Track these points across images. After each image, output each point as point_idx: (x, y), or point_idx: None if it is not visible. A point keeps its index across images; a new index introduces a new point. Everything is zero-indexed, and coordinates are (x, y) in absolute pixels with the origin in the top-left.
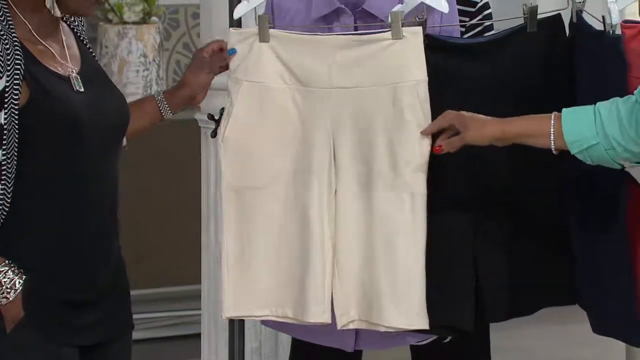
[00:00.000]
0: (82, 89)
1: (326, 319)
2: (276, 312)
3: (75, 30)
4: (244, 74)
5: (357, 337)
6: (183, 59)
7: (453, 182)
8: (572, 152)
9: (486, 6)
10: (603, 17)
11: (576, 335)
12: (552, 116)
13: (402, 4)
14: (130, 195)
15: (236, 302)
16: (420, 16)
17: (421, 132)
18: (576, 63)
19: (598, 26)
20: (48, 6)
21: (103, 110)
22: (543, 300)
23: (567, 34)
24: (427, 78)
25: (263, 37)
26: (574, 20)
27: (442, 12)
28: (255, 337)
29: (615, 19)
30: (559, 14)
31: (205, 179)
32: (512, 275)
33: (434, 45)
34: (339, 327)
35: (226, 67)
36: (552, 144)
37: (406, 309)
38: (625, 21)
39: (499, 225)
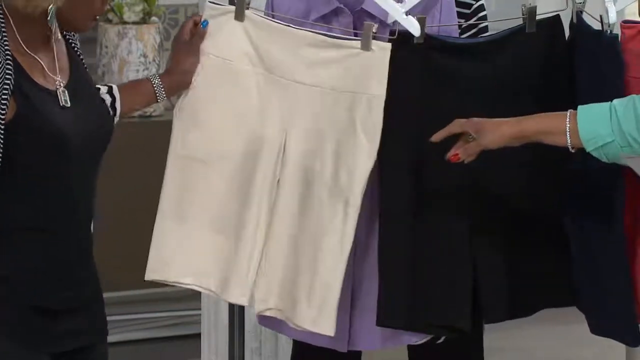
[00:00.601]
0: (69, 104)
1: (244, 302)
2: (199, 282)
3: (67, 37)
4: (212, 47)
5: (350, 337)
6: None
7: (451, 182)
8: (588, 149)
9: (481, 8)
10: (601, 16)
11: (576, 335)
12: (568, 114)
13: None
14: (129, 195)
15: (162, 266)
16: (422, 15)
17: (431, 139)
18: (576, 63)
19: (598, 26)
20: (50, 25)
21: (88, 126)
22: (542, 301)
23: (568, 35)
24: (384, 95)
25: (238, 16)
26: (574, 20)
27: (441, 12)
28: (255, 337)
29: (613, 18)
30: (558, 15)
31: None
32: (511, 276)
33: (433, 45)
34: (256, 312)
35: None
36: (569, 142)
37: (317, 311)
38: (625, 21)
39: (497, 225)
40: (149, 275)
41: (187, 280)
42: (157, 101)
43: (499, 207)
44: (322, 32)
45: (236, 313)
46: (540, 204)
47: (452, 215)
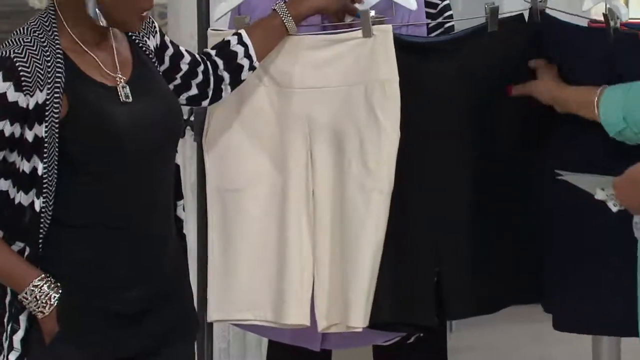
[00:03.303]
0: (130, 99)
1: (304, 321)
2: (257, 316)
3: (131, 34)
4: None
5: (324, 336)
6: None
7: (415, 180)
8: (610, 135)
9: (447, 8)
10: (605, 15)
11: (544, 333)
12: (597, 92)
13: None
14: None
15: (220, 305)
16: (381, 16)
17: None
18: (567, 62)
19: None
20: (92, 16)
21: (149, 122)
22: (507, 298)
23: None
24: (397, 77)
25: None
26: (536, 19)
27: (410, 11)
28: (223, 337)
29: (625, 15)
30: (522, 14)
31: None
32: (475, 273)
33: (399, 44)
34: (319, 331)
35: None
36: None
37: (367, 307)
38: (593, 21)
39: (463, 223)
40: (211, 317)
41: (248, 315)
42: (289, 33)
43: (464, 203)
44: (319, 32)
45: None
46: (509, 200)
47: (415, 213)
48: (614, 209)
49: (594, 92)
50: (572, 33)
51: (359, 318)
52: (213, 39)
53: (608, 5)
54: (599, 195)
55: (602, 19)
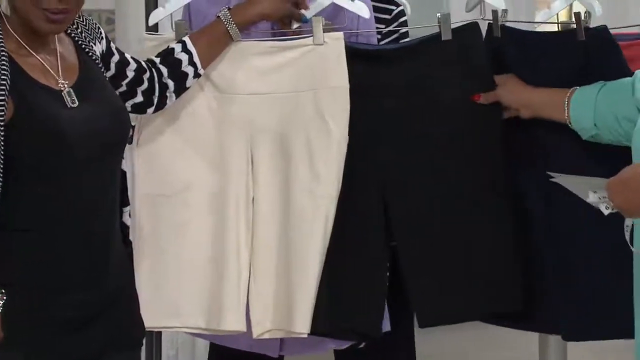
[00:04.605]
0: (75, 104)
1: (241, 327)
2: (186, 323)
3: (77, 39)
4: None
5: (282, 343)
6: None
7: (365, 183)
8: (583, 138)
9: (402, 14)
10: (576, 14)
11: (492, 338)
12: (568, 93)
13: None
14: None
15: (148, 312)
16: (329, 22)
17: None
18: (534, 71)
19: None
20: (2, 7)
21: (95, 126)
22: (484, 307)
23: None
24: (347, 83)
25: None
26: (496, 34)
27: (359, 18)
28: (172, 344)
29: (599, 12)
30: (476, 23)
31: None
32: (440, 283)
33: (347, 52)
34: (254, 336)
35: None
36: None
37: (301, 314)
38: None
39: (418, 228)
40: (147, 324)
41: (175, 323)
42: (233, 40)
43: (416, 209)
44: (267, 38)
45: None
46: (464, 209)
47: (363, 218)
48: (606, 212)
49: (564, 93)
50: (537, 41)
51: (305, 324)
52: (148, 43)
53: (586, 1)
54: (591, 198)
55: (560, 21)
